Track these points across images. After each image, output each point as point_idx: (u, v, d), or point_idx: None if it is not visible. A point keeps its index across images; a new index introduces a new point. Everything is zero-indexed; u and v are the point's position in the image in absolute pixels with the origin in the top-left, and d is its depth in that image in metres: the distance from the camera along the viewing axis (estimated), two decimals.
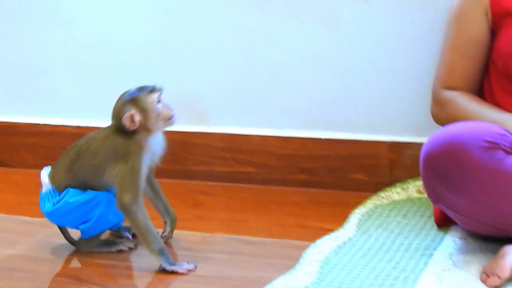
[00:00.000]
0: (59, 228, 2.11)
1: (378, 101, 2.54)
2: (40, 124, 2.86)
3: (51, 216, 2.08)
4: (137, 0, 2.71)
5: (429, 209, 2.30)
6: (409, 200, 2.45)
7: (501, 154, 1.94)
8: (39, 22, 2.80)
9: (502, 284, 1.89)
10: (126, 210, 2.00)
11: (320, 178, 2.60)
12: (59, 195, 2.06)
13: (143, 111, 2.01)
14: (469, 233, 2.15)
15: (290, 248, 2.15)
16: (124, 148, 2.01)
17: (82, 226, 2.07)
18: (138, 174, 2.00)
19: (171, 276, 1.97)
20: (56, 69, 2.83)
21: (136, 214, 1.99)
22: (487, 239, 2.08)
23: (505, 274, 1.89)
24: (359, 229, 2.24)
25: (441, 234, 2.19)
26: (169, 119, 2.04)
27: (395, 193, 2.50)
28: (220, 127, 2.70)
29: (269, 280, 1.90)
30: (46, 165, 2.11)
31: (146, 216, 2.01)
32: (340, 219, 2.30)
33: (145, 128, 2.02)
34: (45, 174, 2.10)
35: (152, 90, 2.01)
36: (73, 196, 2.04)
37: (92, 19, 2.75)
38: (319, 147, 2.58)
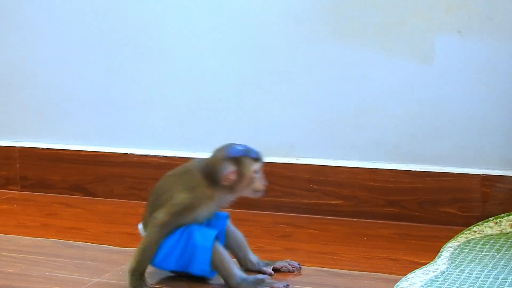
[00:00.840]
0: None
1: (470, 133, 2.50)
2: (127, 154, 2.87)
3: (159, 263, 2.05)
4: (228, 35, 2.72)
5: None
6: (503, 234, 2.39)
7: None
8: (126, 55, 2.82)
9: None
10: (151, 223, 1.99)
11: (410, 211, 2.56)
12: None
13: (241, 174, 2.01)
14: None
15: (380, 281, 2.11)
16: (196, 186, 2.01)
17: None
18: (190, 209, 2.00)
19: None
20: (144, 101, 2.84)
21: (153, 231, 1.99)
22: None
23: None
24: (452, 263, 2.19)
25: None
26: (258, 192, 2.05)
27: (488, 228, 2.45)
28: (308, 159, 2.67)
29: None
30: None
31: (158, 241, 1.99)
32: (430, 253, 2.25)
33: (231, 188, 2.02)
34: (141, 226, 2.10)
35: (257, 158, 2.03)
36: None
37: (183, 53, 2.76)
38: (409, 179, 2.54)
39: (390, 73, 2.57)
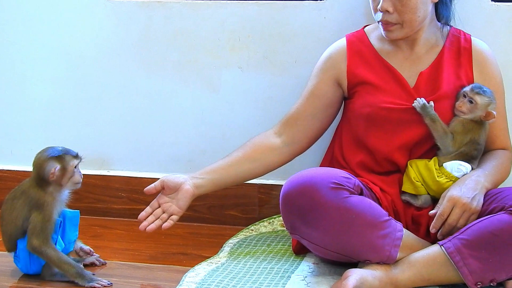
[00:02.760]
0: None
1: None
2: None
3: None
4: (53, 66, 2.70)
5: (290, 240, 2.33)
6: (274, 232, 2.48)
7: (345, 193, 1.99)
8: None
9: None
10: (37, 252, 2.03)
11: (201, 214, 2.62)
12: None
13: (63, 169, 2.05)
14: (321, 259, 2.20)
15: (172, 272, 2.16)
16: (39, 199, 2.04)
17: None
18: (50, 221, 2.03)
19: None
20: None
21: (47, 253, 2.02)
22: (335, 264, 2.13)
23: None
24: (231, 256, 2.26)
25: (298, 260, 2.23)
26: (77, 183, 2.10)
27: (263, 227, 2.53)
28: (118, 171, 2.71)
29: None
30: None
31: (57, 250, 2.04)
32: (215, 248, 2.33)
33: (58, 184, 2.06)
34: None
35: (76, 156, 2.07)
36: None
37: (4, 79, 2.70)
38: None
39: (185, 100, 2.64)
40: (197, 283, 2.03)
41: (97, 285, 2.02)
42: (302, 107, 2.28)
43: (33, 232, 2.02)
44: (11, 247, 2.09)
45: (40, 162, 2.05)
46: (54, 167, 2.03)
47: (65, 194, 2.11)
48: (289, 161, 2.30)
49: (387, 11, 2.12)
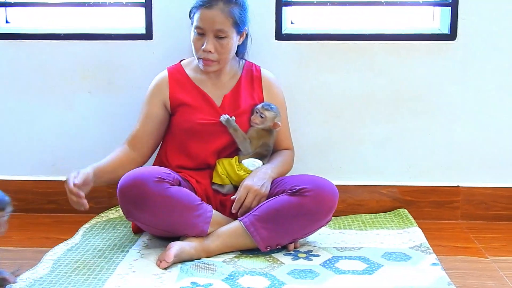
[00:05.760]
0: None
1: None
2: None
3: None
4: None
5: (130, 223, 2.37)
6: (120, 217, 2.51)
7: (167, 185, 2.08)
8: None
9: (169, 266, 1.99)
10: None
11: (63, 206, 2.57)
12: None
13: None
14: (152, 236, 2.27)
15: (37, 253, 2.14)
16: None
17: None
18: None
19: None
20: None
21: None
22: (164, 239, 2.20)
23: (169, 259, 2.01)
24: (83, 237, 2.29)
25: (136, 238, 2.29)
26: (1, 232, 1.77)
27: (111, 214, 2.56)
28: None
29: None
30: None
31: None
32: (73, 233, 2.34)
33: None
34: None
35: (3, 207, 1.75)
36: None
37: None
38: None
39: (49, 117, 2.60)
40: (55, 260, 2.07)
41: None
42: (142, 128, 2.32)
43: None
44: None
45: None
46: None
47: None
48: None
49: (210, 51, 2.20)
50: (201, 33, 2.22)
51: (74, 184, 2.04)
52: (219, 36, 2.21)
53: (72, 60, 2.58)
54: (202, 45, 2.19)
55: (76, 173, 2.08)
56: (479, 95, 2.55)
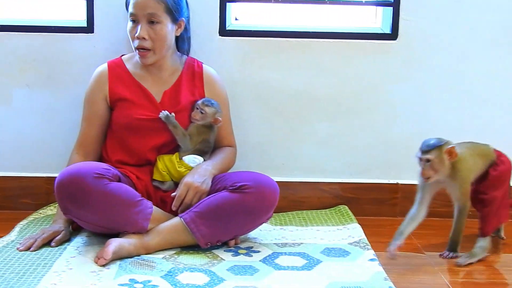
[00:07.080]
0: None
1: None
2: None
3: None
4: None
5: None
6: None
7: (106, 181, 2.07)
8: None
9: (107, 263, 1.97)
10: None
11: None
12: None
13: None
14: (92, 233, 2.24)
15: None
16: None
17: None
18: None
19: None
20: None
21: None
22: (103, 235, 2.18)
23: (107, 256, 1.99)
24: (19, 234, 2.25)
25: (74, 234, 2.24)
26: None
27: (49, 210, 2.53)
28: None
29: None
30: None
31: None
32: (10, 230, 2.28)
33: None
34: None
35: None
36: None
37: None
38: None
39: None
40: None
41: None
42: (89, 131, 2.31)
43: None
44: None
45: None
46: None
47: None
48: None
49: (144, 38, 2.21)
50: (134, 20, 2.23)
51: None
52: (152, 20, 2.21)
53: (10, 53, 2.53)
54: (136, 32, 2.20)
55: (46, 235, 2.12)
56: (418, 94, 2.62)
